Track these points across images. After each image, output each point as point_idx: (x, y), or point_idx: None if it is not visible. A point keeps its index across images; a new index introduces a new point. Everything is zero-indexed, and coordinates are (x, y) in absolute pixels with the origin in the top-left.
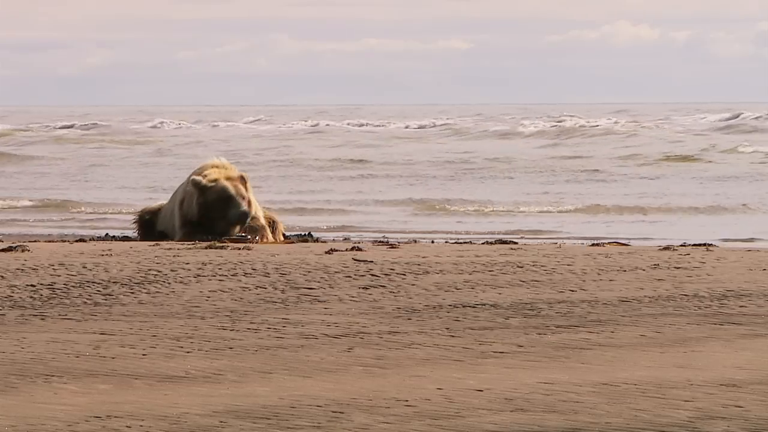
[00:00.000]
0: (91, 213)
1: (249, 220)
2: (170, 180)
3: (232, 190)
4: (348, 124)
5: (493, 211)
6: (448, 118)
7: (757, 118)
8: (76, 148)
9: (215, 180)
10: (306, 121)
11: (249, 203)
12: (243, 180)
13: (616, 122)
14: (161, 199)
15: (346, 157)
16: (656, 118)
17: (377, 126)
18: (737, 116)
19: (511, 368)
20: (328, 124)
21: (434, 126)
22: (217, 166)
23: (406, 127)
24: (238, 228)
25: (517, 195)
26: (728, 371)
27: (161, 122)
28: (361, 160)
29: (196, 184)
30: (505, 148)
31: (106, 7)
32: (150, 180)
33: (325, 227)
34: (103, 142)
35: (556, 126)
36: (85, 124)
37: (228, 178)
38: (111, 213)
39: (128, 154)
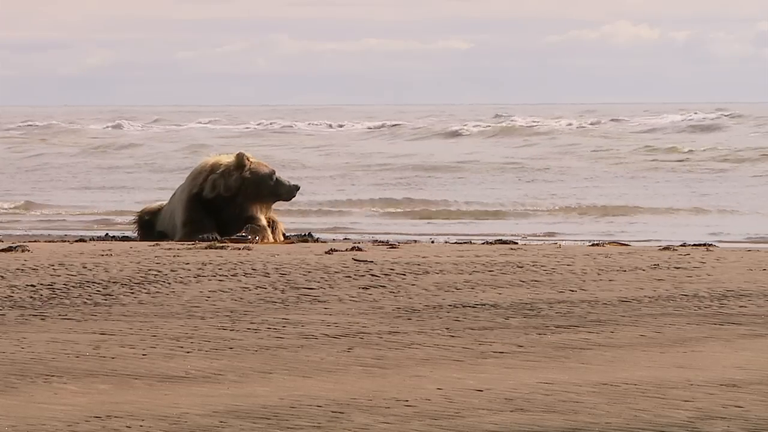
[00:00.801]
0: None
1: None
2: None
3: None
4: (309, 124)
5: (480, 211)
6: (395, 121)
7: (717, 118)
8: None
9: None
10: (271, 122)
11: None
12: None
13: (569, 124)
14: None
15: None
16: (617, 118)
17: (335, 127)
18: (688, 119)
19: (511, 368)
20: (289, 126)
21: (383, 127)
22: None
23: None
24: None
25: (497, 196)
26: (728, 371)
27: (118, 123)
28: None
29: (244, 158)
30: (445, 148)
31: (106, 7)
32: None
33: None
34: (36, 143)
35: (489, 126)
36: (38, 125)
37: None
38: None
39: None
